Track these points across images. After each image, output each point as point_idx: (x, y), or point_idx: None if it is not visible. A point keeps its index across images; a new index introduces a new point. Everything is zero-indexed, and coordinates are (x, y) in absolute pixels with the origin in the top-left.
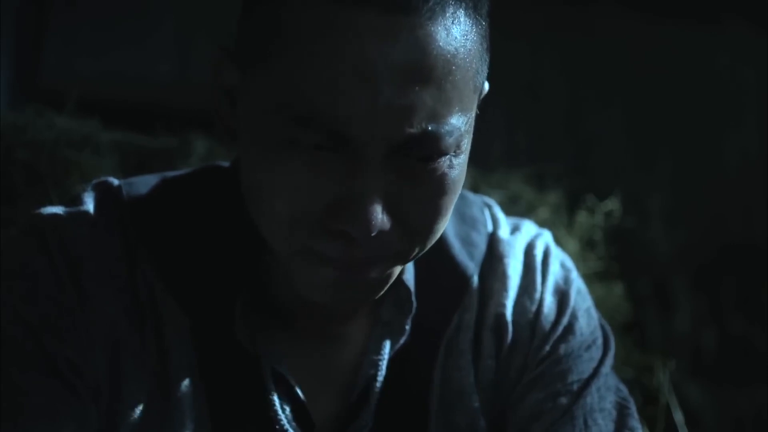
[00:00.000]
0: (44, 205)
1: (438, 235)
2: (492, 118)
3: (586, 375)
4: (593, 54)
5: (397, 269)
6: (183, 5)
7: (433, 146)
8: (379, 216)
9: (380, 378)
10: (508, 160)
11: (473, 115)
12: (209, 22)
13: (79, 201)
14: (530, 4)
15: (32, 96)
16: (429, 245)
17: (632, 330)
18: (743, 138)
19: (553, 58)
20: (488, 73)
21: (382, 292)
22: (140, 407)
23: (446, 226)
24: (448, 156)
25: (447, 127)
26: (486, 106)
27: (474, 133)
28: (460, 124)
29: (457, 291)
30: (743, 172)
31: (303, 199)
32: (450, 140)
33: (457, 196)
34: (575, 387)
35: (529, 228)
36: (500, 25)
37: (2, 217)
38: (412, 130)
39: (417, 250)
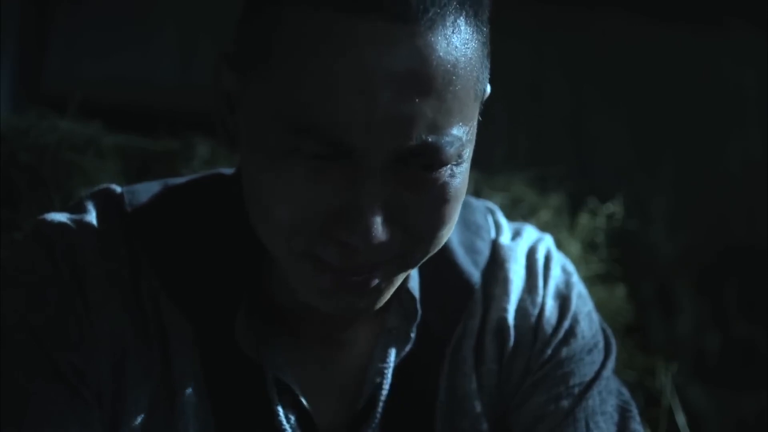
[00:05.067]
0: (47, 208)
1: (442, 242)
2: (493, 120)
3: (587, 378)
4: (595, 56)
5: (400, 277)
6: (185, 8)
7: (433, 157)
8: (380, 226)
9: (386, 386)
10: (510, 161)
11: (475, 123)
12: (211, 24)
13: (82, 208)
14: (532, 6)
15: (35, 99)
16: (432, 252)
17: (635, 332)
18: (746, 140)
19: (554, 59)
20: (490, 75)
21: (384, 301)
22: (144, 413)
23: (451, 233)
24: (449, 165)
25: (447, 138)
26: (487, 107)
27: (476, 136)
28: (461, 134)
29: (462, 299)
30: (746, 175)
31: (303, 207)
32: (451, 151)
33: (461, 203)
34: (577, 390)
35: (530, 233)
36: (502, 27)
37: (4, 220)
38: (412, 142)
39: (419, 257)
